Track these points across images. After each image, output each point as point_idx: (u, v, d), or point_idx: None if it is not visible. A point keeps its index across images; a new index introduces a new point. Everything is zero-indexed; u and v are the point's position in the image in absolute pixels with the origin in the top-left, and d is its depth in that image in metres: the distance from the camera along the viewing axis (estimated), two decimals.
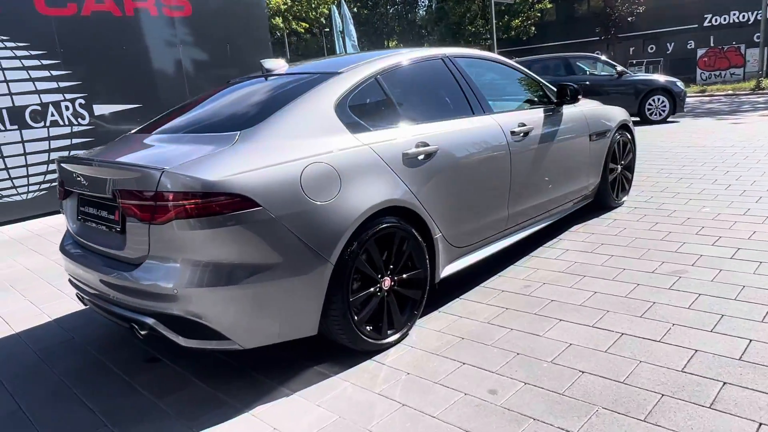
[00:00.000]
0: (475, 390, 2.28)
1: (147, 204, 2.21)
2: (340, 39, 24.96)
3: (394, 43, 63.85)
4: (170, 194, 2.15)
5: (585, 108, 4.27)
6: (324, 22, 31.07)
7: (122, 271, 2.36)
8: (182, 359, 2.76)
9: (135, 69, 7.26)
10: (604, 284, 3.21)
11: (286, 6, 28.43)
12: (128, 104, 7.17)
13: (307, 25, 32.13)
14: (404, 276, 2.77)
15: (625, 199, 4.85)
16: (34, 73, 6.44)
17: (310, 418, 2.19)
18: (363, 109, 2.79)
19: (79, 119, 6.80)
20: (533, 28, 34.00)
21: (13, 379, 2.75)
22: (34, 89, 6.45)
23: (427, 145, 2.87)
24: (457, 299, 3.22)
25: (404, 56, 3.16)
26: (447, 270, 3.10)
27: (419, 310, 2.88)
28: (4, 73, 6.23)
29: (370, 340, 2.61)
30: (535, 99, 3.97)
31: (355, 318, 2.54)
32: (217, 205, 2.16)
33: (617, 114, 4.63)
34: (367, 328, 2.62)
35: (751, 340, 2.44)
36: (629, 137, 4.77)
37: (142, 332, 2.34)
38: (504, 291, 3.27)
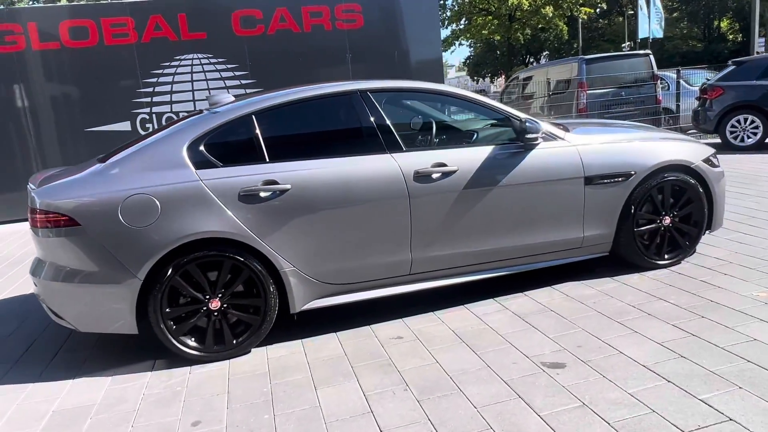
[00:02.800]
0: (188, 418, 2.50)
1: (28, 214, 3.07)
2: (646, 19, 22.29)
3: (726, 23, 53.94)
4: (33, 209, 2.96)
5: (585, 145, 3.51)
6: (605, 6, 28.31)
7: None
8: None
9: (309, 77, 8.45)
10: (462, 356, 2.82)
11: None
12: None
13: (590, 10, 29.69)
14: (239, 302, 3.04)
15: (673, 259, 3.76)
16: (229, 83, 8.19)
17: (80, 399, 2.76)
18: (220, 147, 3.09)
19: None
20: None
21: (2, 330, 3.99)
22: None
23: (277, 183, 3.01)
24: (331, 334, 3.27)
25: (299, 94, 3.28)
26: (312, 304, 3.20)
27: (259, 336, 3.09)
28: (207, 83, 8.12)
29: (188, 351, 3.00)
30: (489, 135, 3.49)
31: (173, 328, 2.96)
32: (52, 220, 2.87)
33: (659, 152, 3.61)
34: (191, 339, 3.01)
35: None
36: (691, 182, 3.67)
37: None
38: (376, 337, 3.16)
